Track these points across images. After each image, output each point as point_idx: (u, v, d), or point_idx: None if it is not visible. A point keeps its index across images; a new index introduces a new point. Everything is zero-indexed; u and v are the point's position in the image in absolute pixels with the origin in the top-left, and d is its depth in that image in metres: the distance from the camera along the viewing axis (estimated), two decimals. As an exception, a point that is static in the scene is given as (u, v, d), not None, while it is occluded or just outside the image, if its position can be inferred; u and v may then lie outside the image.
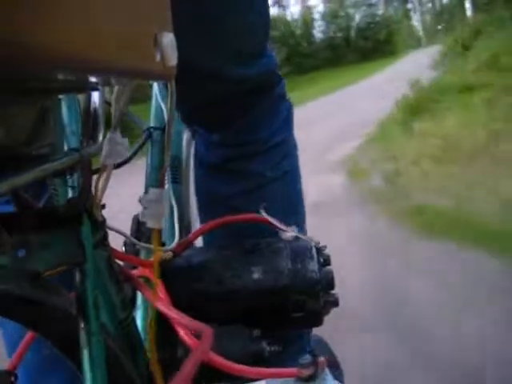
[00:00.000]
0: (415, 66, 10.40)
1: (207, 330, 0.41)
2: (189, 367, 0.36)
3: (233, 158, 0.68)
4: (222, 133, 0.67)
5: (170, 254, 0.56)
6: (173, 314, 0.45)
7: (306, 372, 0.41)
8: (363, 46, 17.36)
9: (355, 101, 7.50)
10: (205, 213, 0.73)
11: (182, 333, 0.45)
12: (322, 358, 0.42)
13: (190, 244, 0.60)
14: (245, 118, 0.66)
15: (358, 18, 18.03)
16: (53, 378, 0.64)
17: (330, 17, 17.48)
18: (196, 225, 0.77)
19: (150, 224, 0.39)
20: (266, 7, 0.65)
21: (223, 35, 0.60)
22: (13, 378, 0.47)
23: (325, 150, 4.41)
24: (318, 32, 17.26)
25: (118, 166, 0.48)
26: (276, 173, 0.68)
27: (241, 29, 0.62)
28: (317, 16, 17.54)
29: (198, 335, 0.44)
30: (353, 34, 17.38)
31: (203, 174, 0.71)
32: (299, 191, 0.73)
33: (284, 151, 0.70)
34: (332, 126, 5.58)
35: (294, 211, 0.72)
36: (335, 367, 0.80)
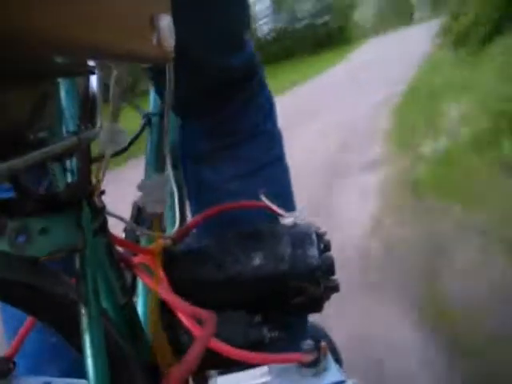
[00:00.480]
0: (402, 51, 7.94)
1: (210, 316, 0.41)
2: (193, 355, 0.36)
3: (222, 145, 0.69)
4: (210, 122, 0.68)
5: (169, 241, 0.56)
6: (175, 300, 0.45)
7: (309, 357, 0.41)
8: (315, 36, 15.17)
9: (330, 99, 5.31)
10: (196, 201, 0.73)
11: (184, 320, 0.45)
12: (324, 344, 0.42)
13: (189, 231, 0.60)
14: (231, 105, 0.68)
15: (306, 6, 16.37)
16: (55, 365, 0.64)
17: (276, 7, 16.04)
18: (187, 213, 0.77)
19: (150, 209, 0.39)
20: None
21: (215, 24, 0.62)
22: (11, 365, 0.47)
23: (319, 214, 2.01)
24: (264, 24, 15.93)
25: (117, 152, 0.48)
26: (266, 158, 0.70)
27: (233, 20, 0.64)
28: (262, 7, 16.04)
29: (199, 321, 0.44)
30: (302, 23, 15.58)
31: (193, 164, 0.71)
32: (289, 179, 0.74)
33: (272, 138, 0.72)
34: (309, 148, 3.29)
35: (287, 197, 0.72)
36: (333, 352, 0.80)
